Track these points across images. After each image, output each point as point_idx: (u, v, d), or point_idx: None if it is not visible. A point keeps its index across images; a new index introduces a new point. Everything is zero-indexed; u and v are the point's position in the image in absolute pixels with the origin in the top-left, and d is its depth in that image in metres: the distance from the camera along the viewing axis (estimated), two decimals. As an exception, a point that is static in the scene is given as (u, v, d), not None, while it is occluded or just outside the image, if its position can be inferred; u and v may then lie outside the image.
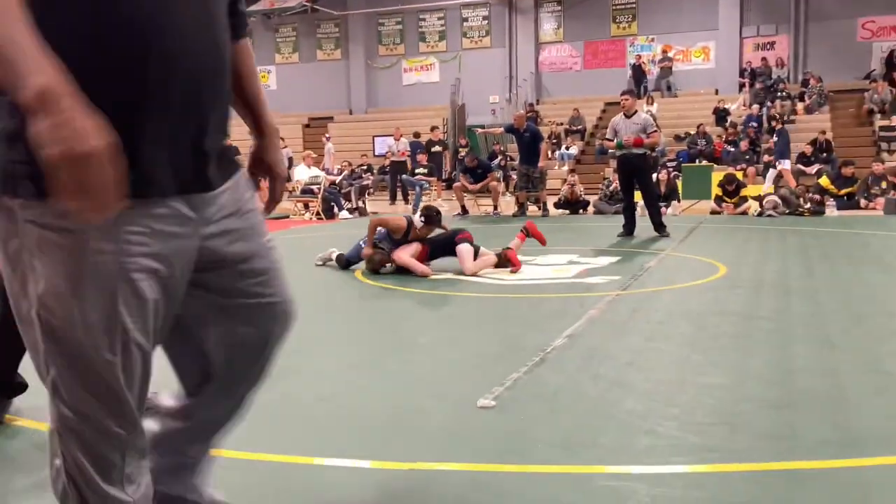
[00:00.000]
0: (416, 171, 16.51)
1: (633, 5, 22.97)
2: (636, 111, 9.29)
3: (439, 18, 25.10)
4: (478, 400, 3.12)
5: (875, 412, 2.95)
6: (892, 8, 20.46)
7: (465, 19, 24.81)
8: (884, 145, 17.72)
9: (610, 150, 10.16)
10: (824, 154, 16.38)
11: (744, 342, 4.09)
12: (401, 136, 17.89)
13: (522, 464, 2.51)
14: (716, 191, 13.03)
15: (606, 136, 9.59)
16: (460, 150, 20.10)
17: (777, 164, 14.75)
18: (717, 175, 14.11)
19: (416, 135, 18.74)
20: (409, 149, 18.32)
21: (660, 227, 9.19)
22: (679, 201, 13.75)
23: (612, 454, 2.57)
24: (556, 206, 13.46)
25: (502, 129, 13.78)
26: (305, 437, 2.81)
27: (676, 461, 2.51)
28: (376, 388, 3.43)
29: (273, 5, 24.13)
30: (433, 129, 19.63)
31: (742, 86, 21.61)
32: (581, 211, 13.34)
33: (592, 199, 13.60)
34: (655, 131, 9.32)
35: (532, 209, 12.97)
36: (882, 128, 18.21)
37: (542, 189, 12.79)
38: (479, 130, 19.26)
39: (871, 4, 20.61)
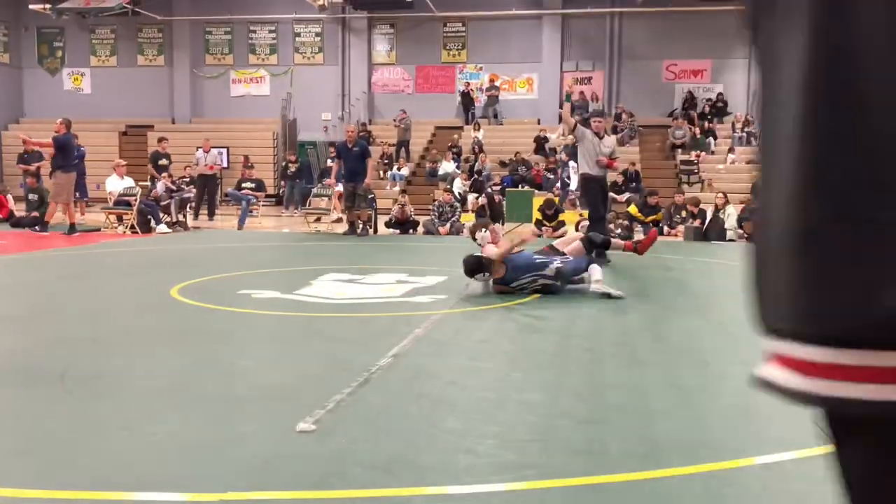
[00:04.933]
0: (243, 185, 15.99)
1: (463, 34, 23.77)
2: (605, 135, 9.12)
3: (270, 31, 24.60)
4: (297, 424, 3.01)
5: (673, 424, 3.16)
6: (691, 53, 22.62)
7: (298, 34, 24.50)
8: (684, 177, 19.46)
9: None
10: (634, 184, 17.70)
11: (560, 360, 4.27)
12: (210, 147, 17.23)
13: (341, 489, 2.44)
14: (536, 215, 13.66)
15: (575, 127, 9.10)
16: (290, 165, 19.75)
17: None
18: (538, 200, 14.81)
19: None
20: (219, 161, 17.81)
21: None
22: (503, 224, 14.27)
23: (432, 475, 2.56)
24: (387, 225, 13.52)
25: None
26: (107, 470, 2.56)
27: (494, 479, 2.54)
28: (189, 414, 3.22)
29: (89, 4, 22.54)
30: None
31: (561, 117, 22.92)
32: (411, 231, 13.48)
33: (423, 219, 13.79)
34: (618, 157, 9.25)
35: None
36: (683, 162, 20.00)
37: (367, 207, 12.77)
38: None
39: (674, 49, 22.67)
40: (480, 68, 23.71)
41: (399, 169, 20.77)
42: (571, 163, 18.94)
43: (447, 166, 20.05)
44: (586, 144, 8.87)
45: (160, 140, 16.37)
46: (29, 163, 14.75)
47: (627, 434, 3.02)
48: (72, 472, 2.54)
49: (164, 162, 15.62)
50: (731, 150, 20.58)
